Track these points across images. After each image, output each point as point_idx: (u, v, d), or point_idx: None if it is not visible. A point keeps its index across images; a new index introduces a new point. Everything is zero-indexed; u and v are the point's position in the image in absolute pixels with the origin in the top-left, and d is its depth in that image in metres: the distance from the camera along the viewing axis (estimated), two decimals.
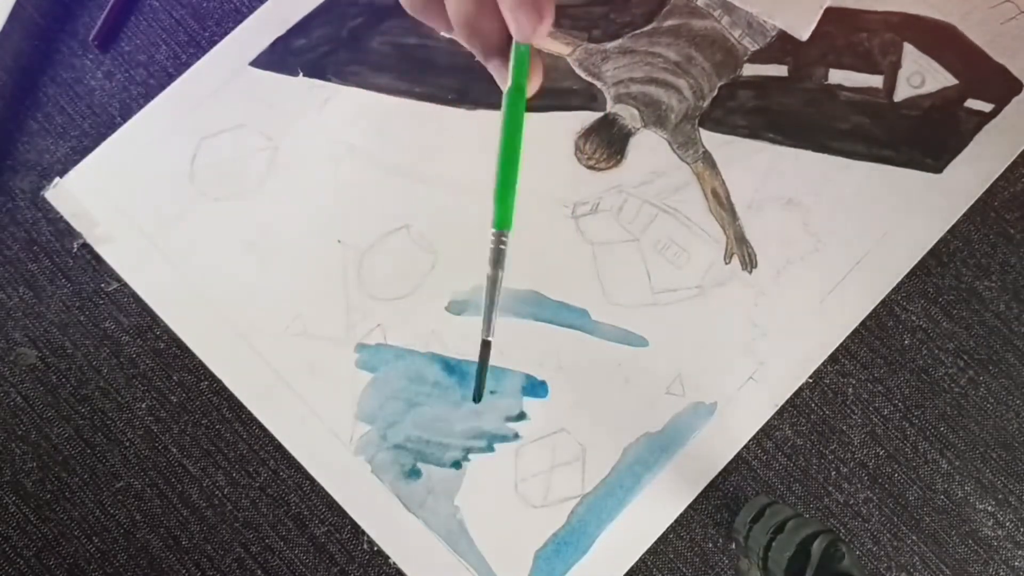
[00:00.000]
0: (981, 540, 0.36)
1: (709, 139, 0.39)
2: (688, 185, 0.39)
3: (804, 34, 0.37)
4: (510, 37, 0.28)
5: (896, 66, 0.39)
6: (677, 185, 0.39)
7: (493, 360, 0.37)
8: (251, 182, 0.39)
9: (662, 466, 0.36)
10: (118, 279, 0.39)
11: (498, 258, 0.28)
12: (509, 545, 0.36)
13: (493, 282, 0.29)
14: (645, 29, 0.40)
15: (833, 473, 0.37)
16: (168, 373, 0.38)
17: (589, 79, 0.40)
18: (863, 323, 0.37)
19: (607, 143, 0.39)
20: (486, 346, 0.29)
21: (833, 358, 0.37)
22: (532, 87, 0.29)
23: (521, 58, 0.28)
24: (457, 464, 0.37)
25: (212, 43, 0.41)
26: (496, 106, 0.39)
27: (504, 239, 0.28)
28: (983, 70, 0.39)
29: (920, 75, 0.39)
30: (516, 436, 0.37)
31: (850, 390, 0.37)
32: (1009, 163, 0.38)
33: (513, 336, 0.38)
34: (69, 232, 0.39)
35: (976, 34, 0.39)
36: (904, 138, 0.39)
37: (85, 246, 0.39)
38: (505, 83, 0.29)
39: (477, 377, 0.31)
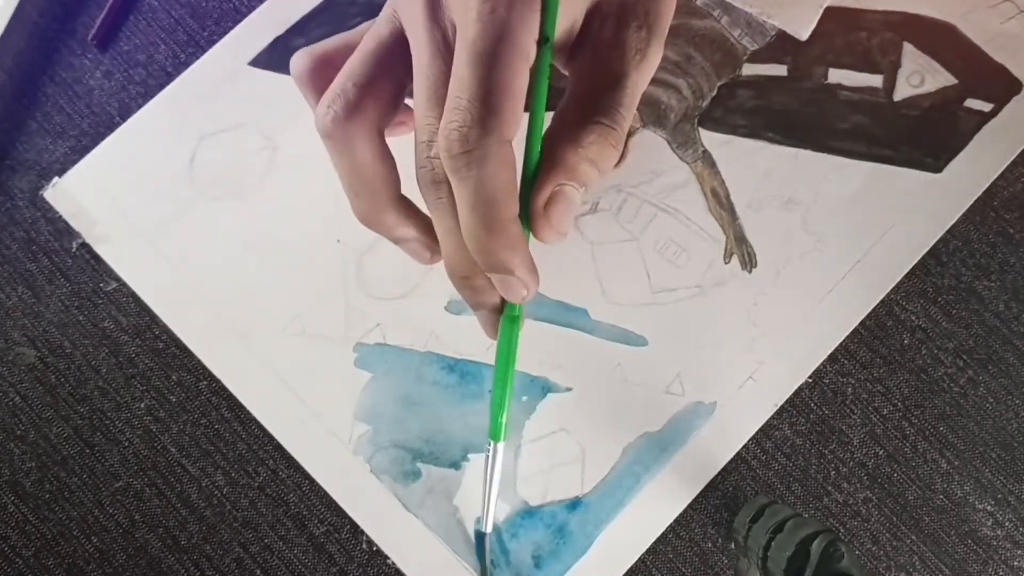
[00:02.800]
0: (980, 540, 0.36)
1: (708, 139, 0.39)
2: (687, 184, 0.39)
3: (804, 34, 0.37)
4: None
5: (896, 65, 0.39)
6: (676, 184, 0.39)
7: (493, 359, 0.37)
8: (250, 182, 0.39)
9: (661, 466, 0.36)
10: (117, 279, 0.39)
11: (494, 465, 0.32)
12: (509, 545, 0.36)
13: (491, 484, 0.32)
14: None
15: (832, 473, 0.37)
16: (167, 373, 0.38)
17: None
18: (862, 323, 0.37)
19: None
20: (480, 537, 0.33)
21: (832, 358, 0.37)
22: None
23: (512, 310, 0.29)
24: (456, 464, 0.37)
25: (211, 43, 0.41)
26: None
27: (498, 449, 0.32)
28: (983, 70, 0.39)
29: (920, 75, 0.39)
30: (515, 436, 0.37)
31: (849, 390, 0.37)
32: (1009, 163, 0.38)
33: None
34: (68, 232, 0.39)
35: (976, 34, 0.39)
36: (904, 138, 0.38)
37: (84, 246, 0.39)
38: (492, 335, 0.30)
39: (480, 564, 0.35)
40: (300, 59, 0.30)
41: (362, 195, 0.29)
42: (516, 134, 0.25)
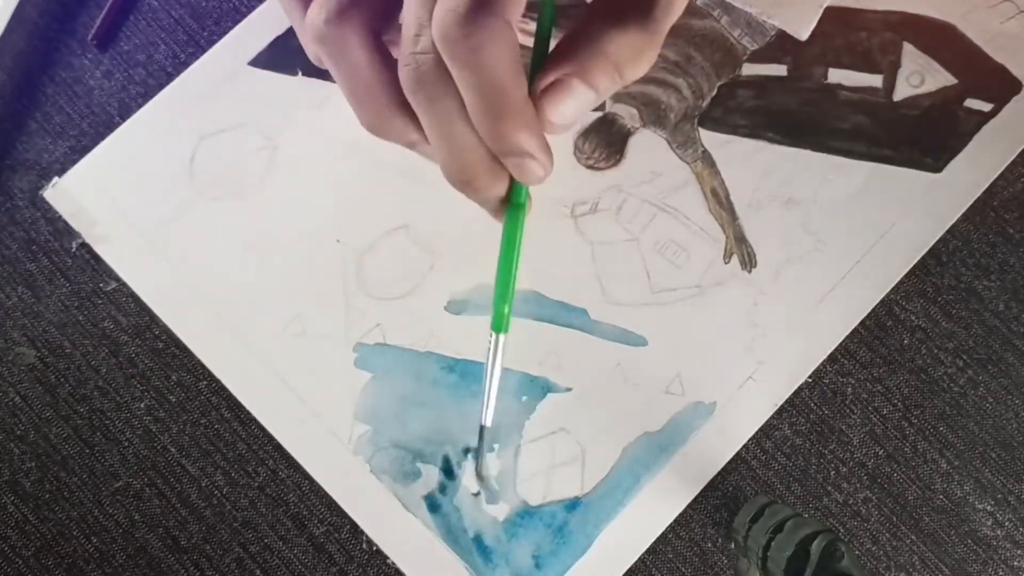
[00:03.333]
0: (980, 540, 0.36)
1: (708, 138, 0.39)
2: (687, 184, 0.39)
3: (804, 34, 0.37)
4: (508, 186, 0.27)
5: (895, 65, 0.39)
6: (676, 184, 0.39)
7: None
8: (250, 182, 0.39)
9: (661, 466, 0.36)
10: (117, 279, 0.39)
11: (495, 357, 0.30)
12: (509, 545, 0.36)
13: (491, 377, 0.30)
14: None
15: (832, 473, 0.37)
16: (167, 373, 0.38)
17: None
18: (862, 323, 0.37)
19: (606, 142, 0.39)
20: (483, 430, 0.31)
21: (832, 358, 0.37)
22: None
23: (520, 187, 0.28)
24: (456, 464, 0.37)
25: (211, 42, 0.41)
26: None
27: (500, 341, 0.30)
28: (982, 69, 0.39)
29: (919, 74, 0.39)
30: (515, 436, 0.37)
31: (849, 390, 0.37)
32: (1008, 163, 0.38)
33: (512, 335, 0.37)
34: (68, 232, 0.39)
35: (976, 33, 0.39)
36: (903, 137, 0.38)
37: (84, 246, 0.39)
38: (498, 218, 0.29)
39: (476, 456, 0.34)
40: None
41: (365, 101, 0.27)
42: (517, 15, 0.23)
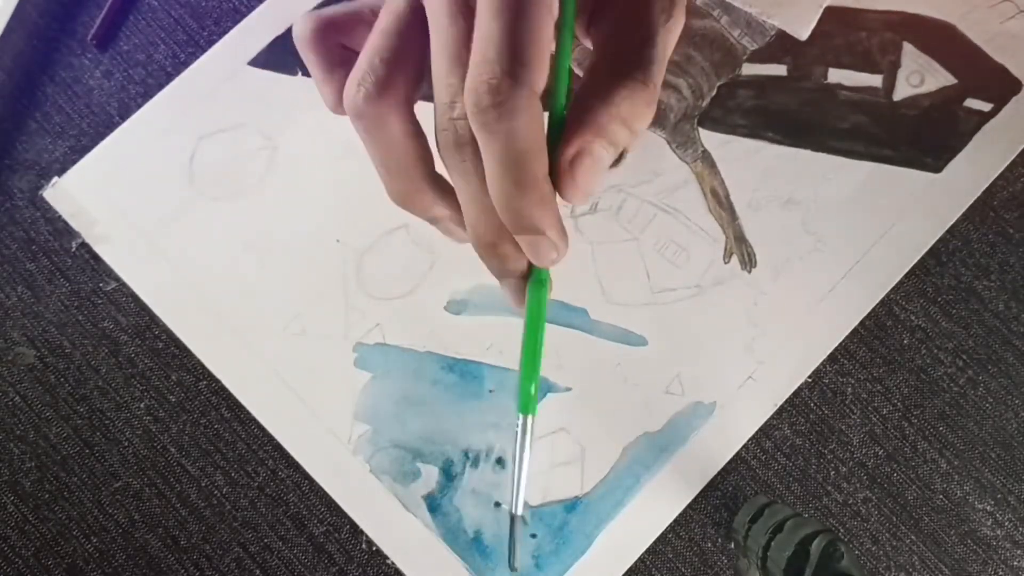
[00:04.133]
0: (980, 539, 0.36)
1: (708, 138, 0.39)
2: (687, 184, 0.39)
3: (803, 34, 0.37)
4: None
5: (895, 65, 0.39)
6: (676, 184, 0.39)
7: (492, 359, 0.37)
8: (250, 182, 0.39)
9: (661, 466, 0.36)
10: (116, 278, 0.39)
11: (523, 441, 0.29)
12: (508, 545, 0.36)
13: (520, 462, 0.29)
14: None
15: (832, 473, 0.37)
16: (167, 373, 0.38)
17: None
18: (862, 323, 0.37)
19: None
20: (514, 520, 0.30)
21: (832, 358, 0.37)
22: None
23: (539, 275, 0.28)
24: (456, 464, 0.37)
25: (211, 42, 0.41)
26: None
27: (528, 423, 0.29)
28: (982, 69, 0.39)
29: (919, 74, 0.39)
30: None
31: (849, 390, 0.37)
32: (1008, 163, 0.38)
33: (512, 335, 0.38)
34: (67, 231, 0.39)
35: (975, 33, 0.39)
36: (903, 137, 0.38)
37: (83, 245, 0.39)
38: (518, 303, 0.29)
39: (509, 547, 0.31)
40: (304, 22, 0.29)
41: (396, 174, 0.28)
42: (544, 87, 0.25)
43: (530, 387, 0.29)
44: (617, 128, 0.26)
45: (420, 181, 0.28)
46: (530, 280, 0.28)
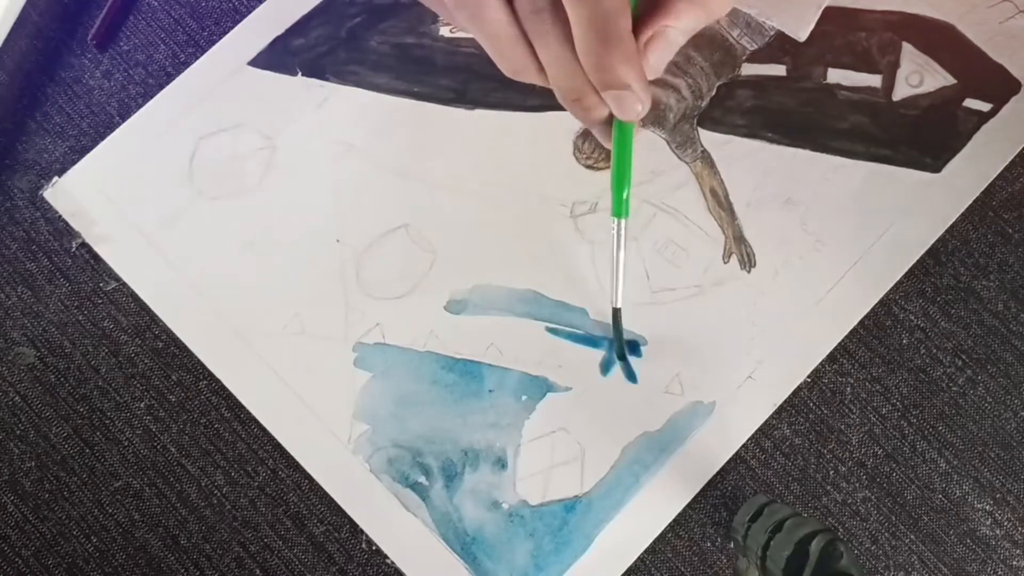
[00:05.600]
0: (979, 539, 0.36)
1: (708, 138, 0.39)
2: (687, 184, 0.39)
3: (802, 34, 0.37)
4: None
5: (895, 65, 0.39)
6: (676, 184, 0.39)
7: (492, 359, 0.37)
8: (249, 181, 0.39)
9: (661, 465, 0.36)
10: (116, 278, 0.39)
11: (619, 242, 0.33)
12: (508, 544, 0.36)
13: (617, 261, 0.34)
14: None
15: (831, 472, 0.37)
16: (167, 372, 0.38)
17: None
18: (861, 322, 0.37)
19: None
20: (617, 312, 0.35)
21: (831, 357, 0.37)
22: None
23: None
24: (456, 464, 0.37)
25: (211, 42, 0.41)
26: (494, 105, 0.40)
27: (622, 226, 0.33)
28: (982, 69, 0.39)
29: (919, 74, 0.39)
30: (515, 435, 0.37)
31: (848, 389, 0.37)
32: (1007, 163, 0.38)
33: (512, 335, 0.38)
34: (67, 231, 0.39)
35: (975, 34, 0.39)
36: (902, 137, 0.39)
37: (84, 245, 0.39)
38: (606, 141, 0.32)
39: (616, 338, 0.37)
40: None
41: (507, 52, 0.29)
42: None
43: (622, 192, 0.32)
44: (691, 9, 0.27)
45: (526, 55, 0.29)
46: (615, 122, 0.30)
